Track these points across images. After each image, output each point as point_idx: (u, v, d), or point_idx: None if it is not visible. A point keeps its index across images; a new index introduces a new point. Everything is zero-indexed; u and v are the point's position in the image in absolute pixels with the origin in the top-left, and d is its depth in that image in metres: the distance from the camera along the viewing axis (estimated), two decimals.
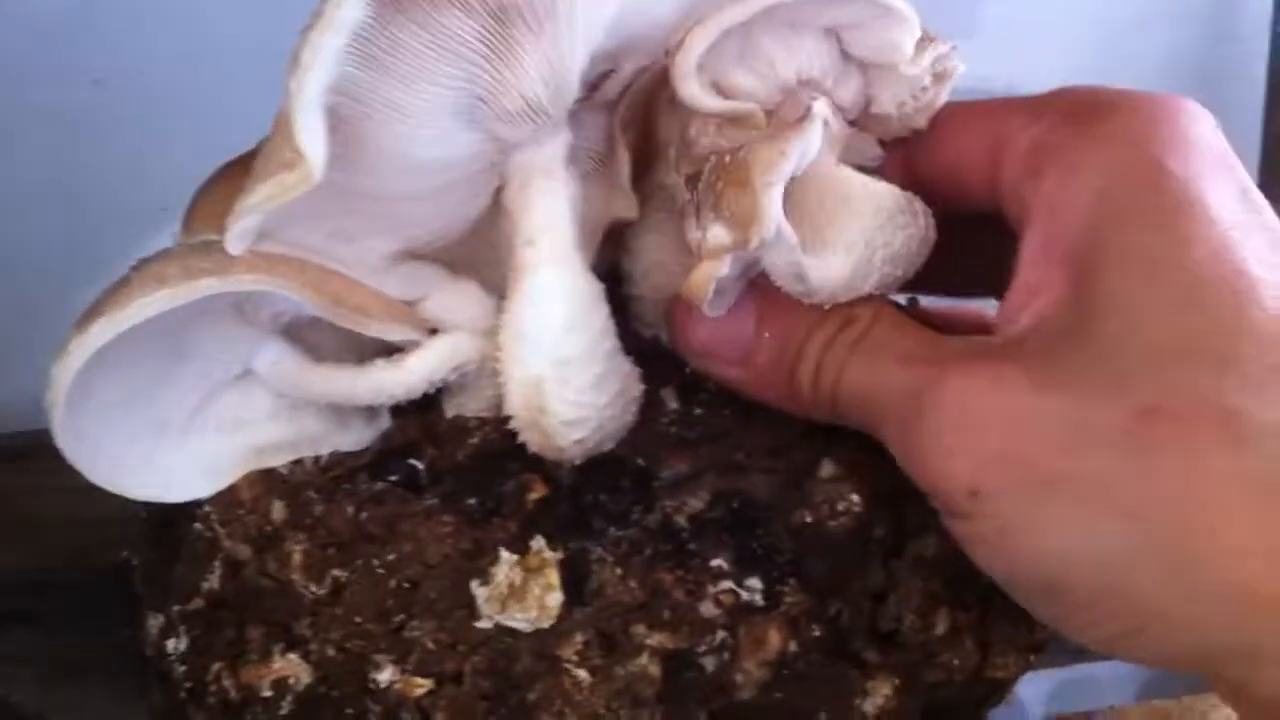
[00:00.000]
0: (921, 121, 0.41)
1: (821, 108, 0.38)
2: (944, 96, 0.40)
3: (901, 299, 0.46)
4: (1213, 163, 0.34)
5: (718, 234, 0.36)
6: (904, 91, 0.40)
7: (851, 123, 0.41)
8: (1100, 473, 0.31)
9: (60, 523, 0.54)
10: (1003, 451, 0.32)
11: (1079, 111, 0.36)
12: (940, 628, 0.42)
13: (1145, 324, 0.32)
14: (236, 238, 0.34)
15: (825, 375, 0.37)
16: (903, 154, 0.41)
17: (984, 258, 0.38)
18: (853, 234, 0.37)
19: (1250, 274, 0.32)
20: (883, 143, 0.42)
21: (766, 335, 0.39)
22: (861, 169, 0.40)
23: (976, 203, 0.40)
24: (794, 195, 0.37)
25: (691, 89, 0.37)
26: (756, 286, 0.39)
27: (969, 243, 0.41)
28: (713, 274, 0.36)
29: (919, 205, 0.39)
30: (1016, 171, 0.37)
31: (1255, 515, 0.30)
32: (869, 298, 0.38)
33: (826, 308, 0.38)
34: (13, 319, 0.41)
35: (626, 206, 0.39)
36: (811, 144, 0.37)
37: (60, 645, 0.52)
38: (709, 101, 0.37)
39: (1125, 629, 0.32)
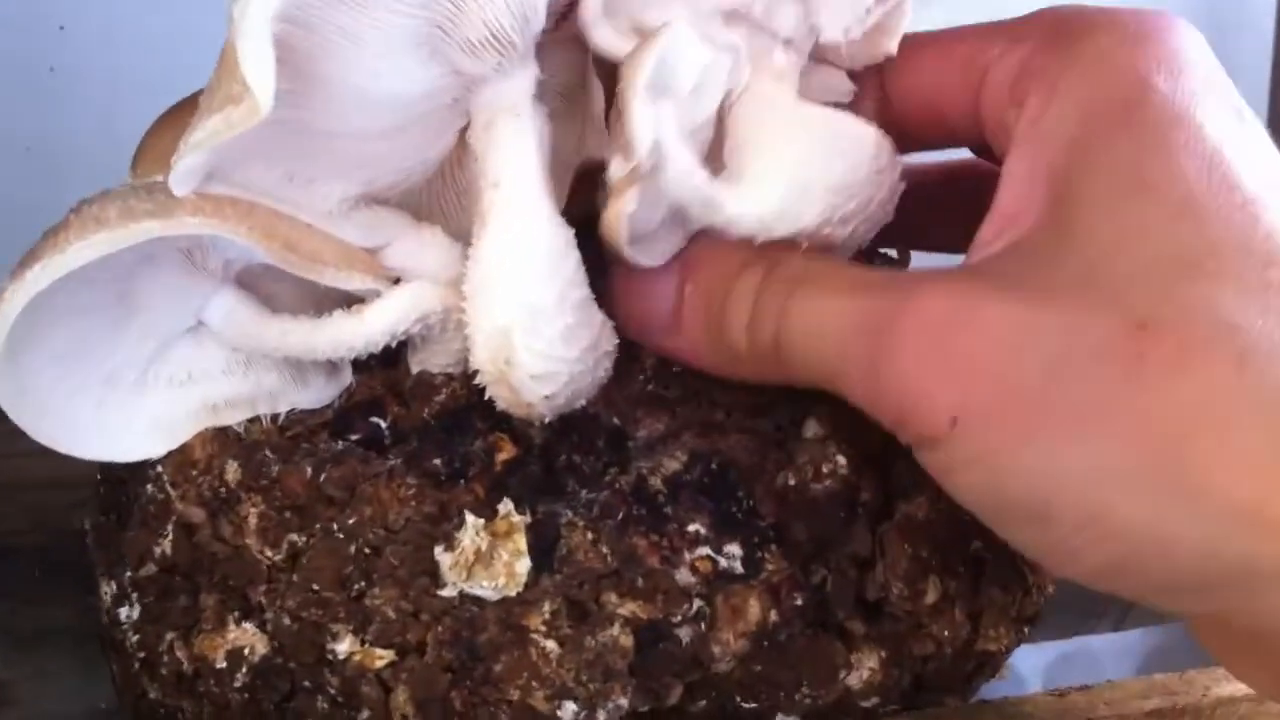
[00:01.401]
0: (886, 45, 0.38)
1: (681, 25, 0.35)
2: (904, 16, 0.38)
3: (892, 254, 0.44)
4: (1203, 79, 0.33)
5: (615, 167, 0.34)
6: (847, 14, 0.37)
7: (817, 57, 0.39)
8: (1091, 391, 0.29)
9: (24, 486, 0.52)
10: (984, 375, 0.31)
11: (1061, 32, 0.34)
12: (929, 596, 0.40)
13: (1135, 238, 0.30)
14: (181, 178, 0.32)
15: (763, 324, 0.35)
16: (876, 87, 0.39)
17: (970, 208, 0.36)
18: (782, 159, 0.35)
19: (1244, 189, 0.31)
20: (854, 76, 0.40)
21: (689, 287, 0.37)
22: (834, 107, 0.38)
23: (959, 137, 0.38)
24: (729, 127, 0.36)
25: (604, 35, 0.35)
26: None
27: (952, 191, 0.39)
28: (621, 211, 0.34)
29: (873, 132, 0.37)
30: (999, 99, 0.35)
31: (1261, 431, 0.28)
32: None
33: (758, 244, 0.36)
34: None
35: (600, 145, 0.37)
36: (676, 53, 0.34)
37: (25, 612, 0.51)
38: (624, 46, 0.35)
39: (1116, 555, 0.30)
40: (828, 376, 0.34)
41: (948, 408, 0.31)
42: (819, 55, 0.38)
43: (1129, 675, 0.53)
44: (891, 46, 0.38)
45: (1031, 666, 0.59)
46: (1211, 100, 0.32)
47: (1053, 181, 0.32)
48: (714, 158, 0.37)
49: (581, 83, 0.39)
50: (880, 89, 0.39)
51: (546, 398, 0.36)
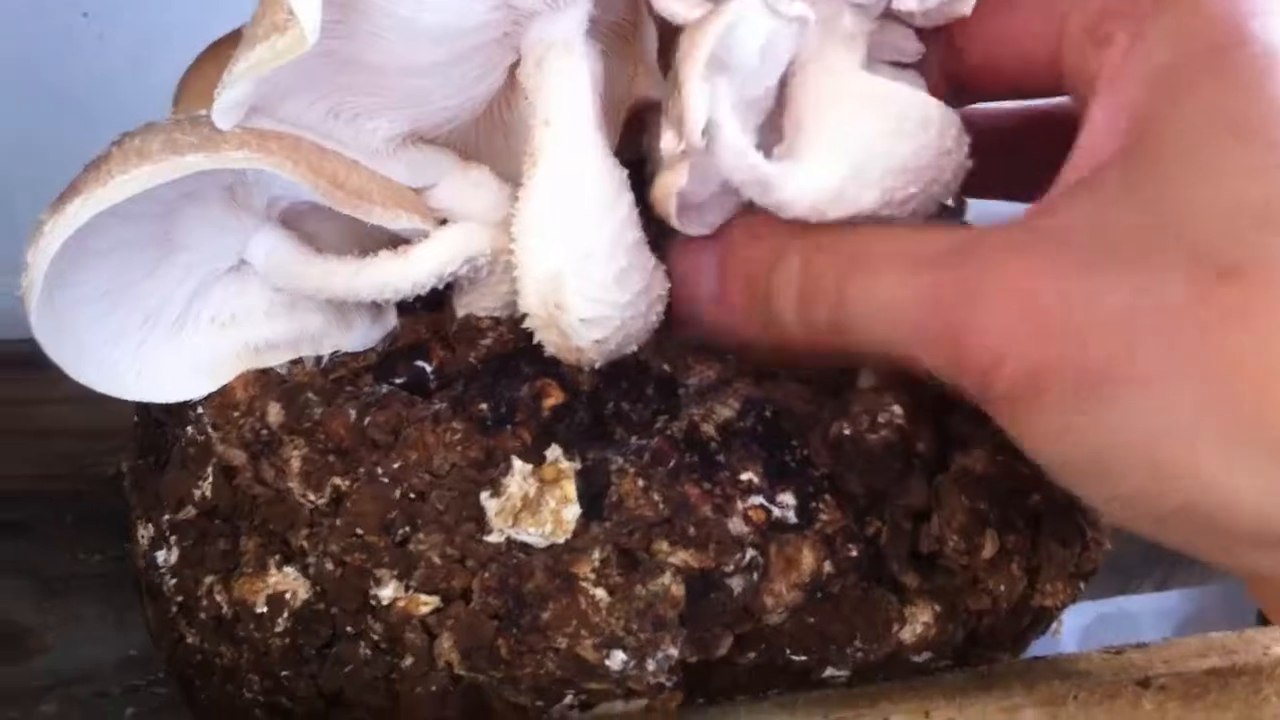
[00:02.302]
0: (961, 8, 0.36)
1: None
2: None
3: None
4: None
5: (669, 141, 0.33)
6: None
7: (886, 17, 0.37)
8: (1169, 343, 0.29)
9: (57, 434, 0.52)
10: (1064, 335, 0.30)
11: None
12: (986, 551, 0.39)
13: (1218, 180, 0.29)
14: (225, 110, 0.31)
15: (816, 304, 0.34)
16: (945, 42, 0.37)
17: (1046, 156, 0.34)
18: (841, 139, 0.34)
19: None
20: (922, 34, 0.38)
21: (730, 262, 0.36)
22: (899, 66, 0.37)
23: (1034, 87, 0.36)
24: (790, 95, 0.34)
25: (667, 2, 0.34)
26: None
27: (1027, 138, 0.37)
28: (671, 186, 0.33)
29: (941, 113, 0.35)
30: (1082, 42, 0.33)
31: None
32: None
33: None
34: (8, 226, 0.39)
35: (653, 85, 0.36)
36: (741, 28, 0.33)
37: (56, 559, 0.50)
38: (688, 13, 0.33)
39: (1183, 504, 0.29)
40: (899, 351, 0.33)
41: (1032, 370, 0.30)
42: (887, 13, 0.37)
43: (1168, 634, 0.52)
44: (967, 8, 0.36)
45: (1069, 626, 0.59)
46: None
47: (1135, 121, 0.31)
48: (773, 126, 0.36)
49: (634, 20, 0.38)
50: (950, 43, 0.37)
51: (597, 342, 0.36)
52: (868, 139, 0.34)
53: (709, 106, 0.32)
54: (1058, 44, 0.34)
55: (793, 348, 0.36)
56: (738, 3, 0.33)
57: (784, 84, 0.35)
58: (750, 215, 0.35)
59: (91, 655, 0.48)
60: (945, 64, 0.37)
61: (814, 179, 0.34)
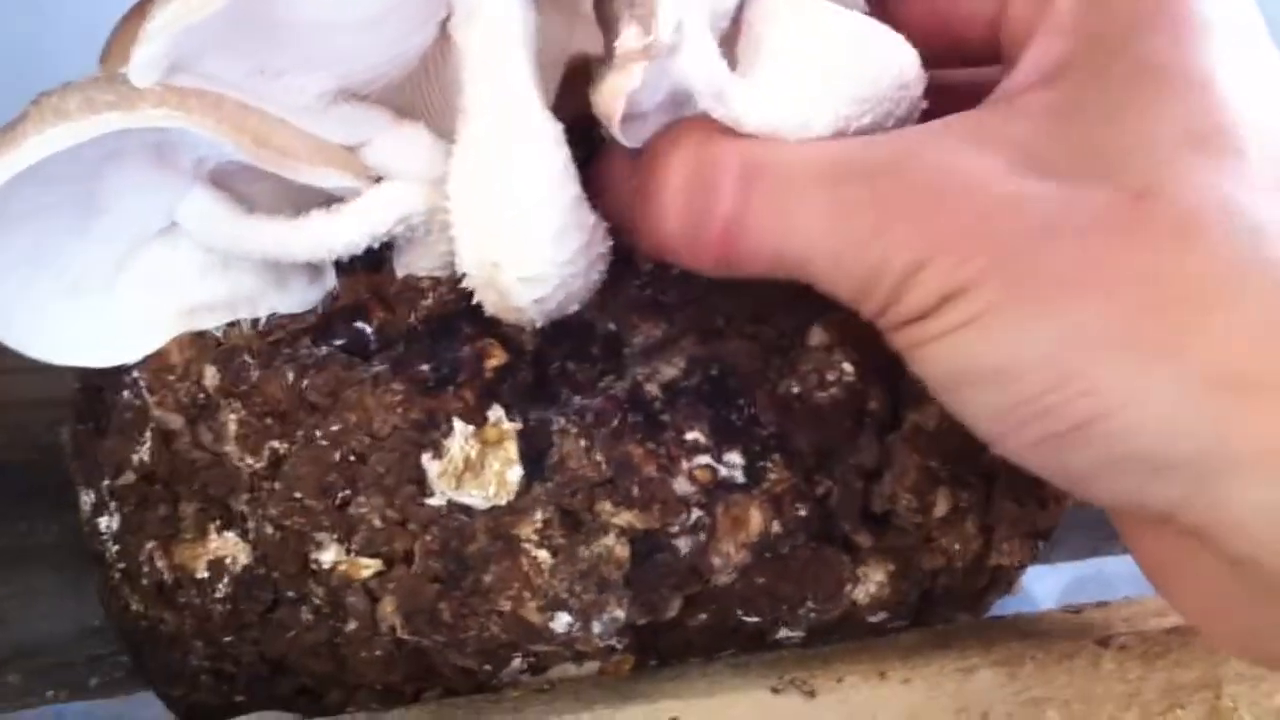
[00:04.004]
0: None
1: None
2: None
3: None
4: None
5: (628, 39, 0.31)
6: None
7: None
8: (1086, 255, 0.29)
9: (7, 405, 0.51)
10: (989, 239, 0.30)
11: None
12: (940, 509, 0.39)
13: (1144, 110, 0.30)
14: (142, 66, 0.31)
15: (710, 202, 0.33)
16: (884, 12, 0.36)
17: None
18: (803, 59, 0.33)
19: (1268, 86, 0.31)
20: None
21: (647, 162, 0.34)
22: None
23: (975, 52, 0.35)
24: (747, 18, 0.33)
25: None
26: None
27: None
28: (623, 88, 0.32)
29: (903, 46, 0.34)
30: (1029, 4, 0.33)
31: (1261, 306, 0.28)
32: None
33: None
34: None
35: (589, 39, 0.35)
36: None
37: (9, 531, 0.50)
38: None
39: (1084, 416, 0.29)
40: (794, 267, 0.33)
41: (954, 275, 0.30)
42: None
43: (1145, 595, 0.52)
44: None
45: (1046, 589, 0.58)
46: (1244, 14, 0.32)
47: (1065, 62, 0.31)
48: (726, 50, 0.35)
49: None
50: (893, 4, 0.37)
51: (536, 301, 0.35)
52: (830, 63, 0.33)
53: (683, 5, 0.32)
54: (1004, 6, 0.34)
55: (667, 254, 0.35)
56: None
57: (742, 5, 0.34)
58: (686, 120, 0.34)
59: (51, 627, 0.48)
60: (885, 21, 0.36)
61: (772, 94, 0.33)
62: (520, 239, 0.34)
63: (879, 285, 0.31)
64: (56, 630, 0.48)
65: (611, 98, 0.32)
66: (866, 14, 0.36)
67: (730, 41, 0.35)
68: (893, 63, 0.34)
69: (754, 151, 0.32)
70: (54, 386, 0.41)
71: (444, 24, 0.34)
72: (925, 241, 0.30)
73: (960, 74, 0.36)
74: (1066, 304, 0.29)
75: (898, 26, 0.35)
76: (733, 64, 0.34)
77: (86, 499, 0.38)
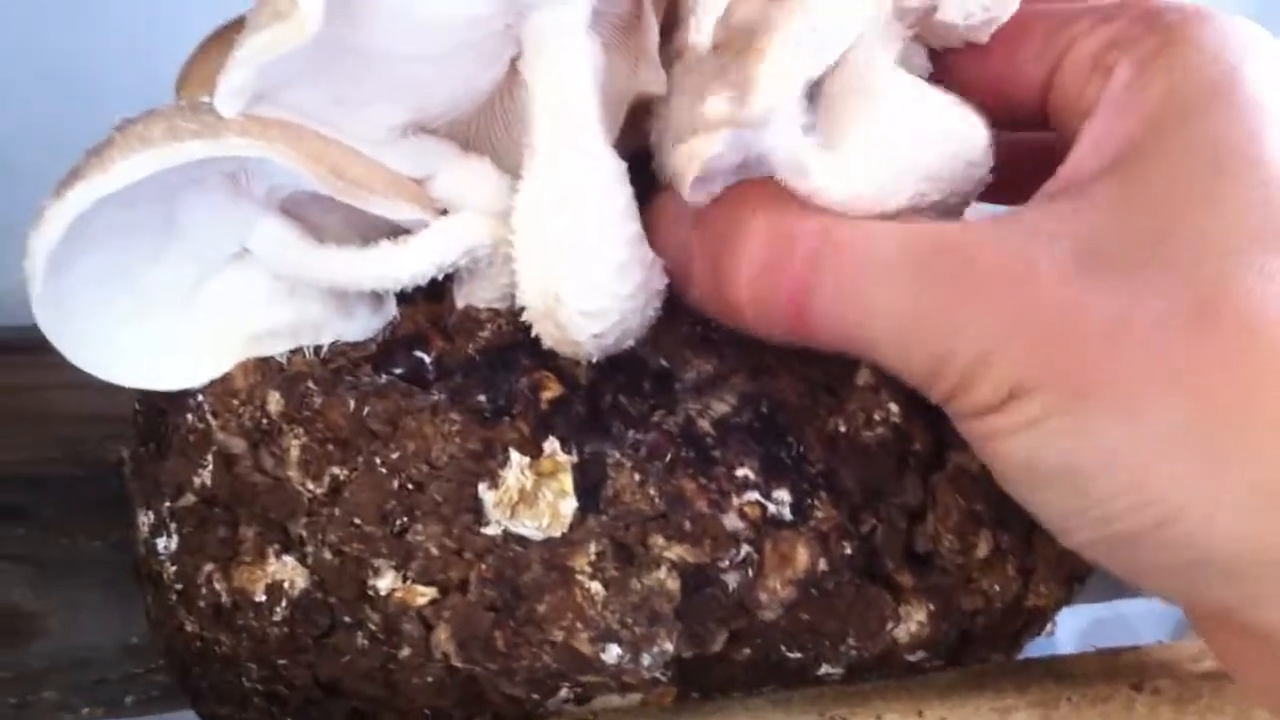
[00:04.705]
0: (984, 36, 0.36)
1: None
2: (1009, 9, 0.36)
3: None
4: None
5: (717, 105, 0.32)
6: (974, 3, 0.36)
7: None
8: (1152, 359, 0.29)
9: (60, 419, 0.52)
10: (1055, 339, 0.30)
11: (1155, 13, 0.33)
12: (981, 550, 0.39)
13: (1209, 207, 0.29)
14: (227, 96, 0.31)
15: (778, 281, 0.33)
16: (948, 63, 0.37)
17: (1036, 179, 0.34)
18: (882, 136, 0.33)
19: None
20: (932, 54, 0.38)
21: (698, 229, 0.35)
22: None
23: (1023, 116, 0.36)
24: (828, 88, 0.34)
25: None
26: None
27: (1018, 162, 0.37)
28: (704, 151, 0.32)
29: (978, 123, 0.35)
30: (1082, 71, 0.34)
31: None
32: None
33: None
34: (12, 211, 0.39)
35: (653, 80, 0.36)
36: (845, 19, 0.33)
37: (58, 544, 0.50)
38: None
39: (1150, 522, 0.29)
40: (861, 349, 0.33)
41: (1020, 373, 0.30)
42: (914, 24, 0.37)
43: (1165, 639, 0.52)
44: (986, 36, 0.36)
45: (1067, 630, 0.58)
46: None
47: (1126, 147, 0.31)
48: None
49: (636, 13, 0.38)
50: (952, 64, 0.37)
51: (595, 336, 0.36)
52: (909, 140, 0.34)
53: (791, 83, 0.32)
54: (1052, 72, 0.34)
55: (741, 322, 0.35)
56: None
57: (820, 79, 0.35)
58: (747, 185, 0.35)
59: (91, 642, 0.49)
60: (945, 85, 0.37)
61: (852, 170, 0.33)
62: (583, 273, 0.34)
63: (946, 375, 0.31)
64: (95, 646, 0.48)
65: (690, 160, 0.33)
66: (929, 78, 0.37)
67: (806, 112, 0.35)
68: (967, 141, 0.34)
69: (831, 229, 0.33)
70: (105, 402, 0.41)
71: (514, 61, 0.35)
72: (992, 337, 0.30)
73: (1012, 138, 0.37)
74: (1131, 408, 0.29)
75: (954, 87, 0.36)
76: (808, 132, 0.34)
77: (145, 519, 0.39)
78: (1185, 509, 0.29)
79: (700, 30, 0.34)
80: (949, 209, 0.35)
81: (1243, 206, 0.29)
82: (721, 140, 0.32)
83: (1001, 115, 0.36)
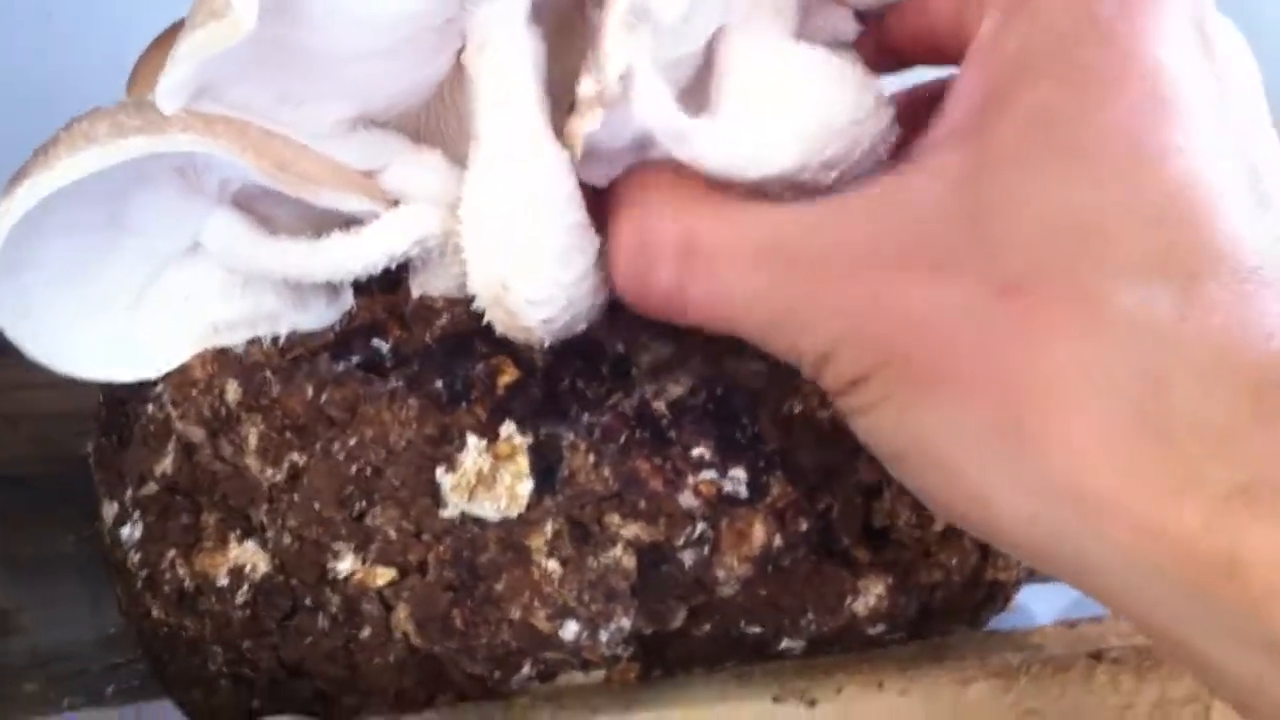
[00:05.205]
0: None
1: None
2: None
3: None
4: (1164, 14, 0.30)
5: (585, 86, 0.33)
6: None
7: None
8: (955, 348, 0.29)
9: (33, 417, 0.53)
10: (877, 336, 0.30)
11: None
12: (937, 524, 0.40)
13: (1033, 195, 0.29)
14: (168, 93, 0.32)
15: (650, 290, 0.34)
16: (875, 26, 0.37)
17: None
18: (759, 98, 0.34)
19: (1169, 139, 0.28)
20: (860, 17, 0.38)
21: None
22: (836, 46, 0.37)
23: (950, 58, 0.36)
24: (714, 61, 0.35)
25: None
26: None
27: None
28: (580, 129, 0.33)
29: (858, 79, 0.35)
30: (973, 17, 0.33)
31: (1101, 411, 0.27)
32: None
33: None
34: None
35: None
36: None
37: (31, 541, 0.51)
38: None
39: (974, 510, 0.30)
40: (740, 334, 0.34)
41: (852, 368, 0.31)
42: None
43: None
44: None
45: (1047, 609, 0.59)
46: (1170, 36, 0.30)
47: (972, 112, 0.31)
48: (699, 92, 0.36)
49: (579, 5, 0.38)
50: (879, 27, 0.37)
51: (544, 321, 0.36)
52: (785, 101, 0.34)
53: (629, 54, 0.33)
54: (963, 28, 0.33)
55: (646, 306, 0.35)
56: None
57: (710, 54, 0.35)
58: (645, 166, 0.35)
59: (69, 635, 0.49)
60: (874, 49, 0.37)
61: (729, 133, 0.34)
62: (526, 261, 0.35)
63: (803, 363, 0.32)
64: (75, 639, 0.49)
65: (573, 141, 0.33)
66: (854, 37, 0.37)
67: (701, 87, 0.36)
68: (845, 98, 0.35)
69: (689, 230, 0.33)
70: (77, 400, 0.42)
71: (458, 54, 0.36)
72: (830, 332, 0.31)
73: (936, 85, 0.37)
74: (940, 399, 0.29)
75: (889, 46, 0.36)
76: (705, 107, 0.35)
77: (109, 509, 0.39)
78: (987, 502, 0.29)
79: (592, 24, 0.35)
80: (858, 162, 0.35)
81: (1053, 193, 0.28)
82: (595, 119, 0.33)
83: (936, 56, 0.35)
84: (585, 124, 0.33)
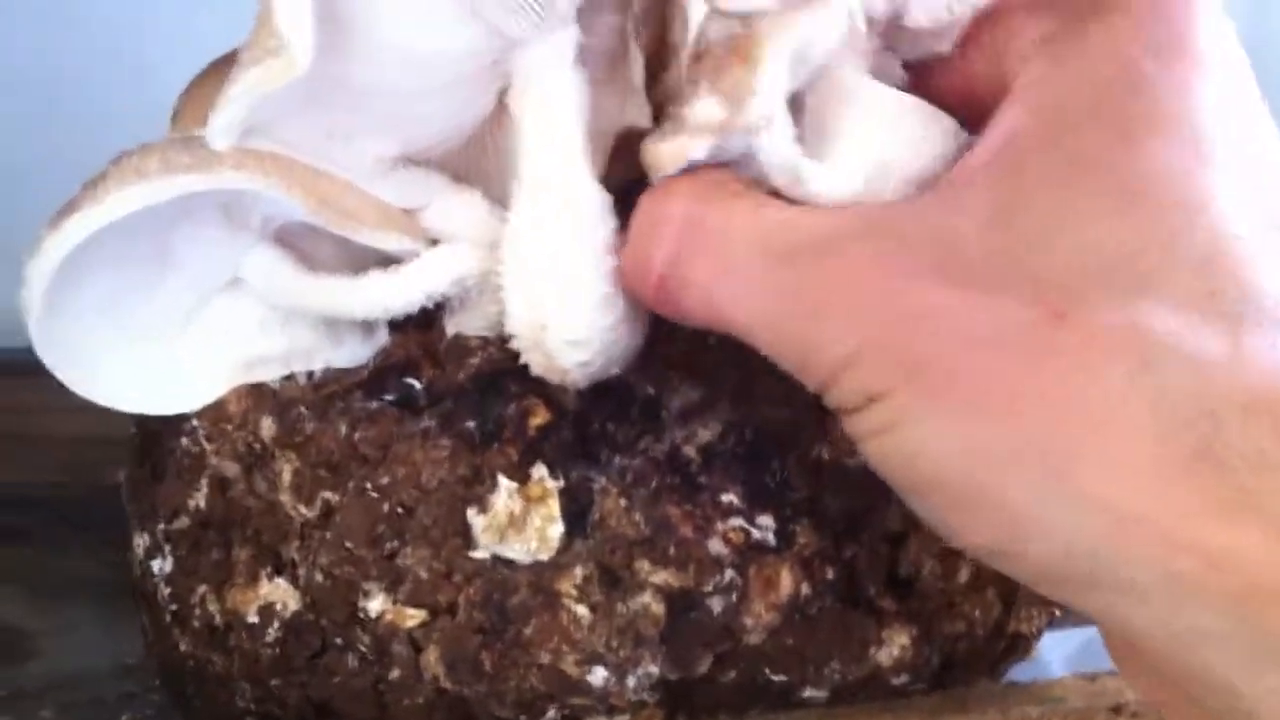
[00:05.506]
0: (947, 45, 0.37)
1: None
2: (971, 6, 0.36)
3: None
4: (1206, 68, 0.31)
5: (708, 108, 0.32)
6: (939, 4, 0.36)
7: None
8: (997, 372, 0.29)
9: (60, 441, 0.53)
10: (907, 348, 0.30)
11: (1085, 4, 0.33)
12: (963, 576, 0.40)
13: (1073, 224, 0.29)
14: (220, 131, 0.32)
15: (648, 269, 0.33)
16: (922, 74, 0.37)
17: None
18: (868, 145, 0.34)
19: (1207, 191, 0.29)
20: (907, 66, 0.38)
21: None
22: None
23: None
24: (809, 100, 0.34)
25: None
26: None
27: None
28: (687, 151, 0.33)
29: (955, 127, 0.35)
30: (1014, 65, 0.33)
31: (1144, 440, 0.27)
32: None
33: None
34: (11, 230, 0.40)
35: (639, 114, 0.37)
36: (826, 27, 0.33)
37: (52, 565, 0.51)
38: (729, 3, 0.34)
39: (1003, 537, 0.30)
40: (736, 330, 0.33)
41: (873, 379, 0.30)
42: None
43: None
44: (949, 45, 0.36)
45: (1056, 654, 0.59)
46: (1209, 91, 0.31)
47: (1018, 140, 0.31)
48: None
49: (623, 49, 0.38)
50: (922, 77, 0.37)
51: (581, 364, 0.36)
52: (888, 143, 0.34)
53: (781, 92, 0.33)
54: (1003, 68, 0.34)
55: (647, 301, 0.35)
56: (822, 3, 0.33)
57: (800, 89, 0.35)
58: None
59: (87, 662, 0.49)
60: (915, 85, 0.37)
61: (843, 177, 0.34)
62: (567, 304, 0.35)
63: (813, 371, 0.31)
64: (92, 666, 0.49)
65: (671, 161, 0.33)
66: (905, 88, 0.37)
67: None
68: (941, 141, 0.35)
69: (698, 208, 0.33)
70: (103, 425, 0.42)
71: (502, 95, 0.36)
72: (855, 338, 0.30)
73: None
74: (975, 419, 0.29)
75: (929, 98, 0.37)
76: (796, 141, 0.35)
77: (140, 541, 0.39)
78: (1020, 526, 0.29)
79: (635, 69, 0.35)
80: None
81: (1099, 225, 0.29)
82: (703, 147, 0.33)
83: (977, 120, 0.35)
84: (691, 150, 0.33)
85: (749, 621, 0.38)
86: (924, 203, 0.32)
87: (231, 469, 0.38)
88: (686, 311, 0.34)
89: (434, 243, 0.37)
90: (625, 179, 0.38)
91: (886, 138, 0.34)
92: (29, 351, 0.35)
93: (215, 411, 0.38)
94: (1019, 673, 0.45)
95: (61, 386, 0.36)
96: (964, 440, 0.29)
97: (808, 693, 0.40)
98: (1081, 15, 0.32)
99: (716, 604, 0.37)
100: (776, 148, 0.33)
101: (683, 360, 0.40)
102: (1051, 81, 0.32)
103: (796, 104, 0.35)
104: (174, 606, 0.38)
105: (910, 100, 0.35)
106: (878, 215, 0.32)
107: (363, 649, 0.37)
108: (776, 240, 0.32)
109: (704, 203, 0.33)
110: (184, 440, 0.38)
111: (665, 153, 0.33)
